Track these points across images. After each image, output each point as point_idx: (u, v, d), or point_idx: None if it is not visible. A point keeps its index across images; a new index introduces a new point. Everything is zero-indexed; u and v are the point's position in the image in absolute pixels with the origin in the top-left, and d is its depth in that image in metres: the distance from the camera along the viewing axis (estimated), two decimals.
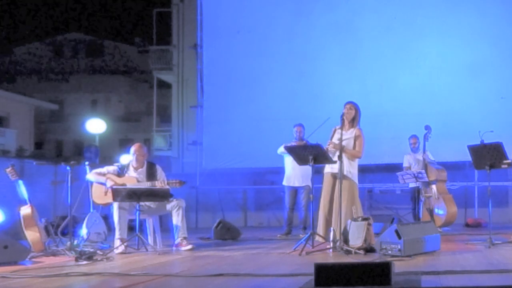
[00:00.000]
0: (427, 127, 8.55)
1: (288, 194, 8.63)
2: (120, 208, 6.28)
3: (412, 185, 8.72)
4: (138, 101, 31.53)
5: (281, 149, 8.12)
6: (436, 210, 8.58)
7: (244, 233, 8.45)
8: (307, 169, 8.11)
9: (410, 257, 5.11)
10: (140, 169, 6.72)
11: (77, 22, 48.54)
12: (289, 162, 8.33)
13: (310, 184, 8.26)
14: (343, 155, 6.01)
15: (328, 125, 6.28)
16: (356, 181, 6.21)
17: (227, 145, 11.74)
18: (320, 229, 6.14)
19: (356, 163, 6.23)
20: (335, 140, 6.10)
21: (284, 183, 8.64)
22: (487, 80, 10.76)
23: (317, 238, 6.02)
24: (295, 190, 8.56)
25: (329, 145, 6.08)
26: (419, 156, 8.74)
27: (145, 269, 4.73)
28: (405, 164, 8.98)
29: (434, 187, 8.55)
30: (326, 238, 5.96)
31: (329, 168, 6.17)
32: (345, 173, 6.07)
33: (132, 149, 6.77)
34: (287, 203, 8.67)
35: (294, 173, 8.44)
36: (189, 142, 13.64)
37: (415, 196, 8.74)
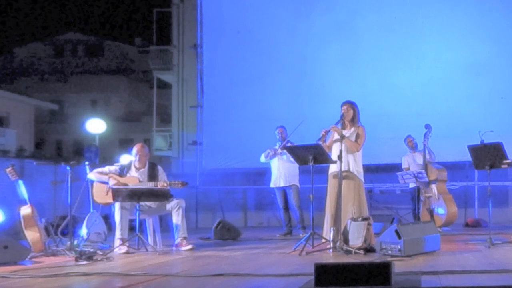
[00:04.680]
0: (427, 126, 8.52)
1: (278, 195, 8.78)
2: (122, 208, 6.27)
3: (412, 185, 8.71)
4: (138, 101, 31.54)
5: (263, 159, 8.67)
6: (436, 210, 8.57)
7: (244, 233, 8.46)
8: (293, 169, 8.37)
9: (410, 257, 5.10)
10: (142, 170, 6.72)
11: (77, 22, 48.58)
12: (274, 164, 8.69)
13: (297, 183, 8.48)
14: (347, 155, 6.00)
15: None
16: (363, 179, 6.17)
17: (227, 145, 11.74)
18: (327, 228, 6.08)
19: (360, 162, 6.19)
20: (336, 136, 6.08)
21: (272, 185, 8.81)
22: (487, 80, 10.76)
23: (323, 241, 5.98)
24: (284, 190, 8.68)
25: (331, 128, 6.04)
26: (418, 156, 8.73)
27: (145, 269, 4.73)
28: (404, 165, 8.96)
29: (434, 187, 8.53)
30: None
31: (334, 167, 6.14)
32: (351, 171, 6.06)
33: (135, 149, 6.76)
34: (279, 204, 8.81)
35: (279, 174, 8.62)
36: (189, 142, 13.64)
37: (415, 196, 8.74)
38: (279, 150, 8.54)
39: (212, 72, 12.25)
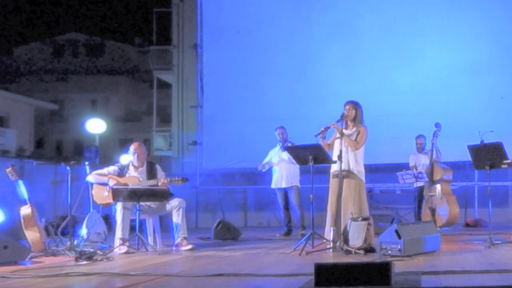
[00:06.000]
0: (437, 125, 8.41)
1: (279, 196, 8.79)
2: (124, 208, 6.27)
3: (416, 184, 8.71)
4: (138, 101, 31.54)
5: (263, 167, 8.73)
6: (438, 210, 8.54)
7: (244, 233, 8.46)
8: (294, 170, 8.37)
9: (410, 257, 5.10)
10: (141, 169, 6.72)
11: (77, 22, 48.58)
12: (275, 166, 8.70)
13: (298, 184, 8.48)
14: (348, 155, 6.00)
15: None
16: (364, 179, 6.15)
17: (227, 145, 11.74)
18: (329, 228, 6.06)
19: (362, 162, 6.16)
20: (337, 135, 6.08)
21: (273, 186, 8.83)
22: (487, 80, 10.76)
23: (323, 241, 5.97)
24: (285, 191, 8.69)
25: (331, 125, 6.02)
26: (424, 157, 8.71)
27: (145, 269, 4.73)
28: (411, 164, 8.93)
29: (438, 186, 8.49)
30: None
31: (335, 167, 6.12)
32: (351, 170, 6.04)
33: (132, 148, 6.76)
34: (280, 204, 8.83)
35: (280, 175, 8.64)
36: (189, 142, 13.63)
37: (418, 196, 8.74)
38: (269, 164, 8.67)
39: (212, 72, 12.25)
